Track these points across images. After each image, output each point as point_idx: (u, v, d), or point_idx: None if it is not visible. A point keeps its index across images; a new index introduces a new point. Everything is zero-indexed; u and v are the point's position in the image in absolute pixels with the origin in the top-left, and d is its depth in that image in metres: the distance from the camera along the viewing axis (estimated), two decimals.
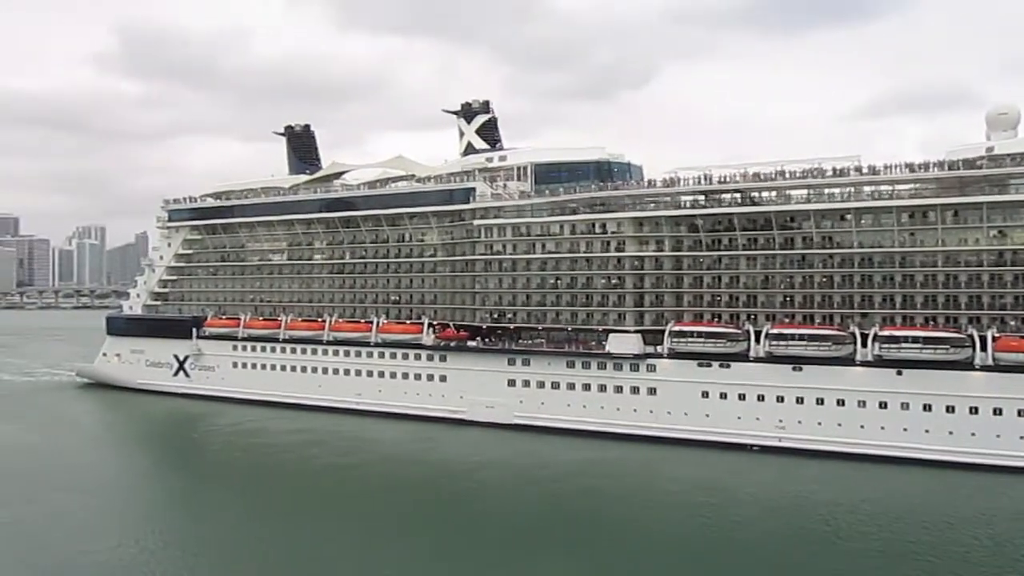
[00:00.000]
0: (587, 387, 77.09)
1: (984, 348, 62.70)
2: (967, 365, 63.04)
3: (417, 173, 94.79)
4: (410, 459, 71.37)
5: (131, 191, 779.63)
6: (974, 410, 62.15)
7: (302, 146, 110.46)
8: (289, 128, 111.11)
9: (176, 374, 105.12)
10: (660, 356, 74.18)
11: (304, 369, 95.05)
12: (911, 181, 67.74)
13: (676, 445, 70.70)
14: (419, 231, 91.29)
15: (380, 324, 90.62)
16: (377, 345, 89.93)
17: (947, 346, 63.79)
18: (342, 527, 52.45)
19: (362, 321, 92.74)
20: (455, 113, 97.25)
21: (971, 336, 63.51)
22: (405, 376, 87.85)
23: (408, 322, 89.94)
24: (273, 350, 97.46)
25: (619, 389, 75.54)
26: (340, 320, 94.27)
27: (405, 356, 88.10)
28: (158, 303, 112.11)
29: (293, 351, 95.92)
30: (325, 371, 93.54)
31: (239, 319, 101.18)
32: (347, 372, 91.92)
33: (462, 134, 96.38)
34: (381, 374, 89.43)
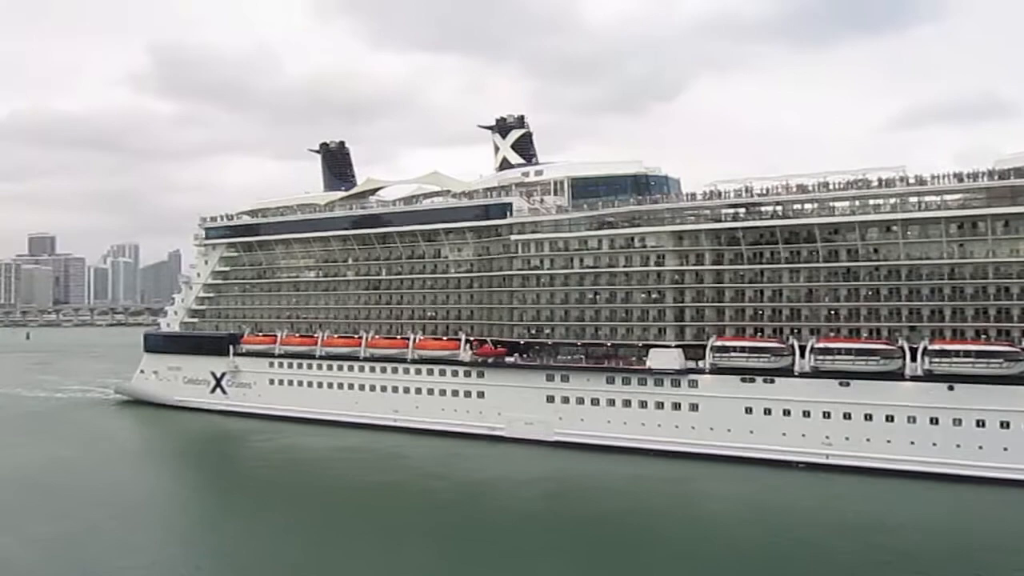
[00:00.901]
0: (627, 403, 76.08)
1: None
2: (1022, 379, 61.34)
3: (452, 188, 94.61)
4: (446, 476, 70.60)
5: (165, 209, 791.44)
6: None
7: (337, 163, 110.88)
8: (324, 145, 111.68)
9: (213, 391, 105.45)
10: (702, 371, 73.06)
11: (341, 386, 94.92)
12: (960, 191, 66.31)
13: (719, 462, 69.39)
14: (455, 247, 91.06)
15: (416, 340, 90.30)
16: (414, 361, 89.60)
17: (1000, 360, 62.15)
18: (377, 545, 51.69)
19: (398, 337, 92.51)
20: (490, 128, 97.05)
21: None
22: (442, 392, 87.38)
23: (445, 338, 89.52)
24: (309, 367, 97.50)
25: (660, 405, 74.45)
26: (376, 336, 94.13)
27: (442, 372, 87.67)
28: (195, 320, 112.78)
29: (329, 368, 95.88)
30: (362, 388, 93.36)
31: (275, 336, 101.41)
32: (384, 389, 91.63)
33: (497, 149, 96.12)
34: (418, 391, 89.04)
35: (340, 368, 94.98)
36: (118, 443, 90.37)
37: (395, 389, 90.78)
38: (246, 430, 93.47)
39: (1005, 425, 61.15)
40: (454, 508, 60.75)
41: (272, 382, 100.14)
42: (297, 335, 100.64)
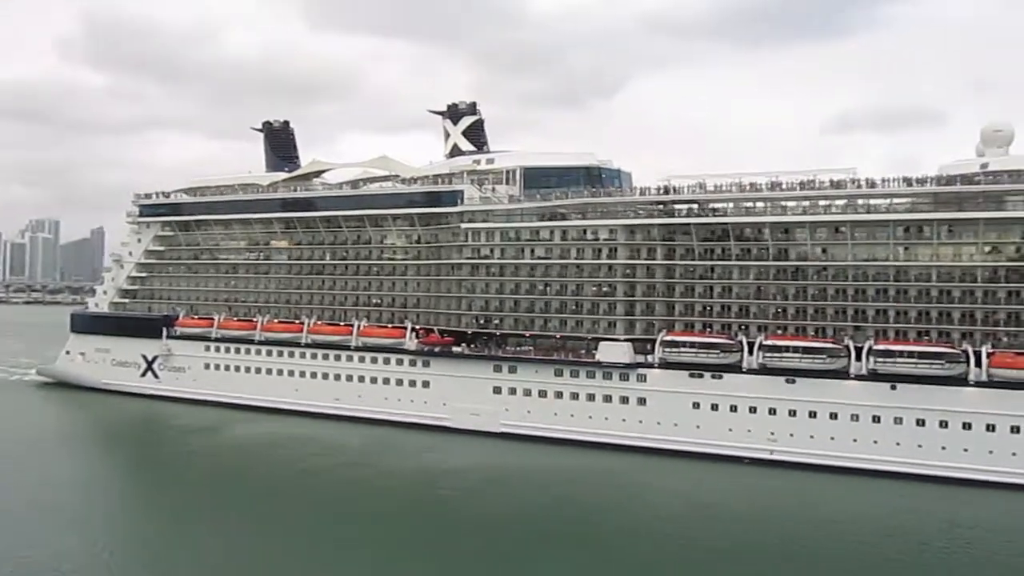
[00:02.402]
0: (575, 396, 75.92)
1: (979, 364, 62.83)
2: (961, 380, 63.11)
3: (401, 174, 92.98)
4: (384, 466, 69.44)
5: (90, 185, 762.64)
6: (967, 426, 62.19)
7: (280, 143, 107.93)
8: (267, 124, 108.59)
9: (144, 375, 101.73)
10: (651, 366, 73.30)
11: (280, 372, 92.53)
12: (908, 195, 67.82)
13: (666, 456, 69.87)
14: (403, 233, 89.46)
15: (361, 327, 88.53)
16: (357, 349, 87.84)
17: (942, 361, 63.79)
18: (297, 535, 50.46)
19: (342, 324, 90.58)
20: (440, 114, 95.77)
21: (965, 352, 63.64)
22: (386, 381, 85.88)
23: (390, 326, 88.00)
24: (248, 352, 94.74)
25: (608, 398, 74.51)
26: (319, 322, 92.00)
27: (387, 361, 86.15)
28: (126, 301, 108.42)
29: (269, 353, 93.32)
30: (302, 375, 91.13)
31: (212, 319, 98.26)
32: (325, 376, 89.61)
33: (447, 135, 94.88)
34: (361, 379, 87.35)
35: (280, 354, 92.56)
36: (40, 427, 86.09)
37: (337, 377, 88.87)
38: (177, 415, 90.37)
39: (944, 425, 62.84)
40: (380, 498, 59.94)
41: (208, 367, 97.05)
42: (235, 319, 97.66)
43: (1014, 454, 60.82)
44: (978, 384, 62.58)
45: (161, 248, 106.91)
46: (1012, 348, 63.42)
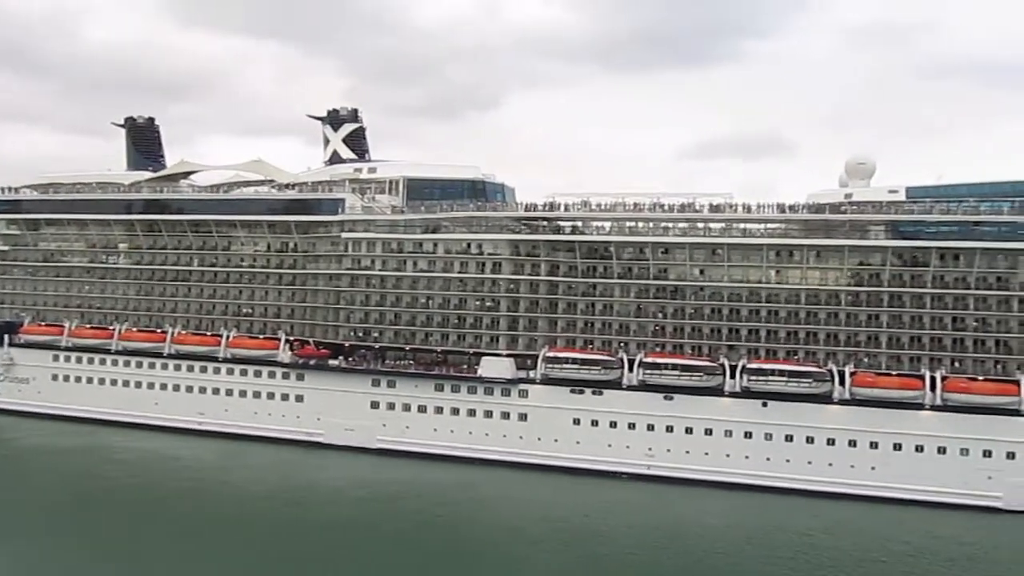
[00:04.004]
0: (456, 411, 75.06)
1: (842, 382, 66.43)
2: (827, 398, 66.51)
3: (277, 179, 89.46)
4: (238, 483, 66.86)
5: None
6: (832, 441, 65.55)
7: (145, 141, 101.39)
8: (130, 120, 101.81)
9: None
10: (533, 381, 73.44)
11: (139, 384, 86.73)
12: (781, 221, 71.11)
13: (546, 472, 70.03)
14: (279, 240, 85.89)
15: (230, 338, 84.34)
16: (226, 361, 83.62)
17: (810, 380, 67.07)
18: (137, 556, 48.71)
19: (209, 334, 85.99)
20: (320, 119, 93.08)
21: (831, 371, 67.13)
22: (256, 395, 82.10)
23: (262, 337, 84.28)
24: (103, 362, 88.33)
25: (489, 414, 74.05)
26: (184, 332, 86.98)
27: (257, 374, 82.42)
28: None
29: (127, 364, 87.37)
30: (164, 387, 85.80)
31: (63, 326, 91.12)
32: (189, 389, 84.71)
33: (327, 142, 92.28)
34: (229, 392, 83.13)
35: (140, 365, 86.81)
36: None
37: (203, 390, 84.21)
38: (14, 430, 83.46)
39: (810, 440, 66.00)
40: (231, 517, 57.94)
41: (56, 378, 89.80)
42: (89, 327, 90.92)
43: (873, 468, 64.50)
44: (842, 402, 66.13)
45: (5, 248, 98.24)
46: (871, 368, 67.44)
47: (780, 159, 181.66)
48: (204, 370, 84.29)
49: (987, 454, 62.86)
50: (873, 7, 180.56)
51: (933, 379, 65.19)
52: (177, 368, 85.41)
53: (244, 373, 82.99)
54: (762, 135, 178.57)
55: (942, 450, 63.64)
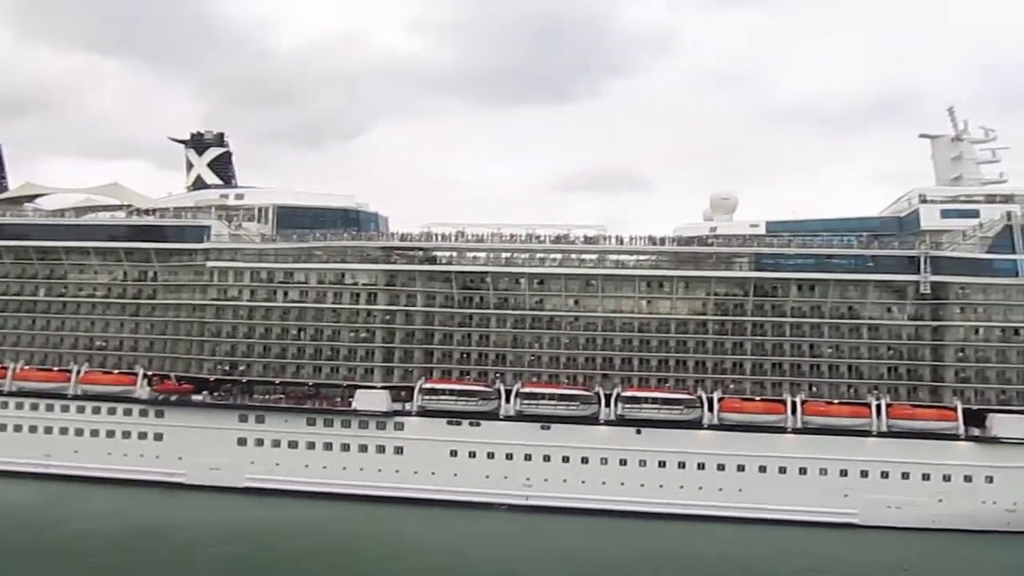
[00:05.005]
0: (329, 446, 72.78)
1: (711, 409, 68.87)
2: (697, 424, 68.73)
3: (136, 204, 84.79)
4: (71, 530, 60.96)
5: None
6: (701, 466, 67.71)
7: None
8: None
9: None
10: (409, 414, 72.34)
11: None
12: (652, 253, 73.45)
13: (423, 505, 68.77)
14: (137, 268, 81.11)
15: (82, 373, 78.77)
16: (76, 397, 77.90)
17: (681, 407, 69.16)
18: None
19: (57, 369, 79.89)
20: (183, 143, 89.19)
21: (700, 398, 69.50)
22: (111, 434, 76.74)
23: (117, 372, 79.13)
24: None
25: (364, 448, 72.28)
26: (27, 367, 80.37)
27: (112, 411, 77.12)
28: None
29: None
30: (3, 427, 78.92)
31: None
32: (33, 429, 78.20)
33: (191, 166, 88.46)
34: (80, 432, 77.33)
35: None
36: None
37: (48, 430, 77.89)
38: None
39: (682, 465, 67.94)
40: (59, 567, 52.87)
41: None
42: None
43: (740, 490, 66.99)
44: (711, 427, 68.50)
45: None
46: (737, 394, 70.29)
47: (637, 193, 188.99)
48: (51, 408, 78.09)
49: (843, 473, 66.38)
50: (725, 53, 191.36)
51: (794, 403, 68.54)
52: (19, 406, 78.69)
53: (97, 411, 77.56)
54: (619, 170, 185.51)
55: (803, 471, 66.78)
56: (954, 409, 67.18)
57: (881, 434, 67.12)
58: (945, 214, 72.09)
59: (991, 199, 72.70)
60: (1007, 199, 72.30)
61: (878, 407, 67.74)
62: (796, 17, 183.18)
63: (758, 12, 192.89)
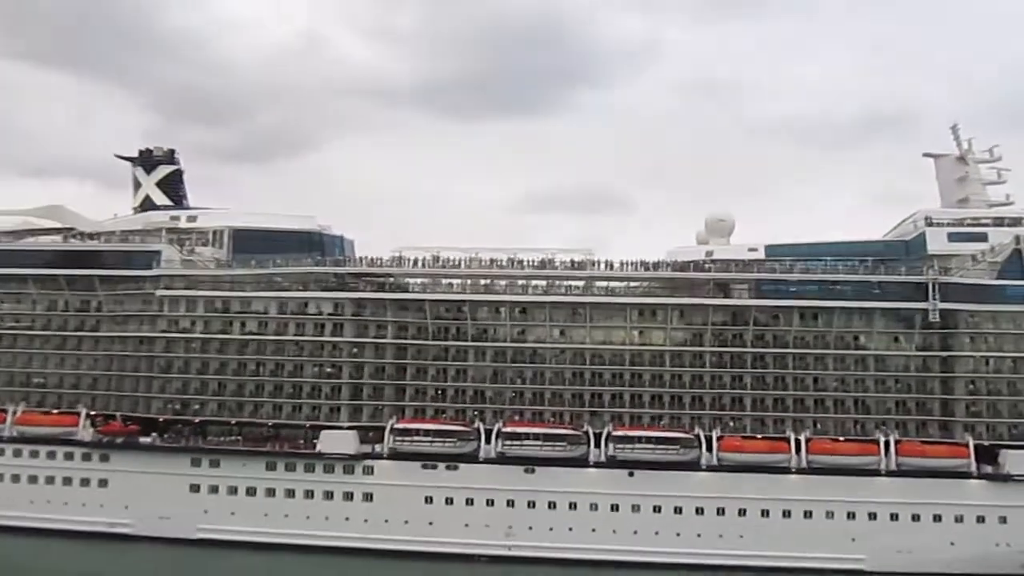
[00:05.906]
0: (291, 493, 66.76)
1: (709, 448, 64.00)
2: (694, 465, 63.78)
3: (79, 227, 78.28)
4: None
5: None
6: (700, 511, 62.79)
7: None
8: None
9: None
10: (379, 456, 66.66)
11: None
12: (644, 279, 68.68)
13: (395, 557, 63.00)
14: (79, 298, 74.56)
15: (17, 414, 71.93)
16: (12, 440, 71.15)
17: (677, 447, 64.25)
18: None
19: None
20: (130, 160, 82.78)
21: (698, 436, 64.58)
22: (49, 480, 69.99)
23: (57, 412, 72.46)
24: None
25: (329, 495, 66.29)
26: None
27: (51, 455, 70.37)
28: None
29: None
30: None
31: None
32: None
33: (138, 185, 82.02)
34: (15, 478, 70.49)
35: None
36: None
37: None
38: None
39: (678, 511, 62.89)
40: None
41: None
42: None
43: (741, 536, 62.16)
44: (709, 468, 63.65)
45: None
46: (737, 432, 65.47)
47: (616, 214, 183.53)
48: None
49: (851, 516, 62.15)
50: (706, 65, 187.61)
51: (798, 441, 63.99)
52: None
53: (34, 455, 70.82)
54: (595, 189, 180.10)
55: (808, 514, 62.42)
56: (966, 445, 63.26)
57: (890, 473, 63.05)
58: (952, 237, 68.23)
59: (999, 222, 68.90)
60: (1015, 222, 68.66)
61: (887, 444, 63.56)
62: (781, 30, 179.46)
63: (741, 25, 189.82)
